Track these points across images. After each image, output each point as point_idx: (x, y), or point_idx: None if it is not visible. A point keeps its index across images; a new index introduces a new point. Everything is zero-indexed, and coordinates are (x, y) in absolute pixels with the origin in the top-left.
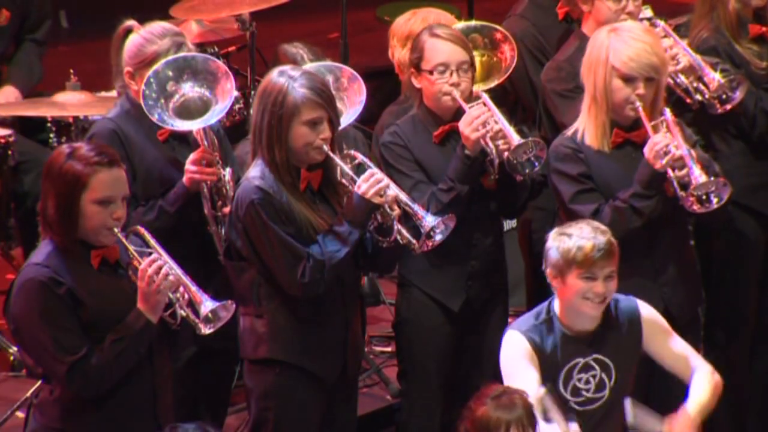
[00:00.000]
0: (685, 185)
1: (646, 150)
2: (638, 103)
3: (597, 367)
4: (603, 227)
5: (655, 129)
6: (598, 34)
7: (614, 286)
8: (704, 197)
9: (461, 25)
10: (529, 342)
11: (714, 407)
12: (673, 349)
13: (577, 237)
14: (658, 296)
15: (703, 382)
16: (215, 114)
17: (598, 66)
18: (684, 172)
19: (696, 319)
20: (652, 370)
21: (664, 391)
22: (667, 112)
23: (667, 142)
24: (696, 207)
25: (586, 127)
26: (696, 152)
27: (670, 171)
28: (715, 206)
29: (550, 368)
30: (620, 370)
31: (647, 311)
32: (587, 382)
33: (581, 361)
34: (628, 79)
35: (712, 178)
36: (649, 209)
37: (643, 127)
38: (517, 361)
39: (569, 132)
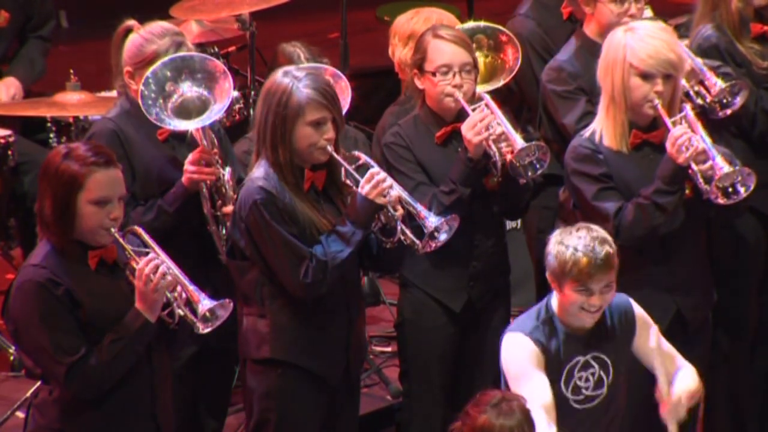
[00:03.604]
0: (708, 179)
1: (668, 144)
2: (657, 101)
3: (596, 365)
4: (603, 236)
5: (675, 125)
6: (614, 35)
7: (612, 296)
8: (730, 189)
9: (467, 25)
10: (535, 344)
11: (693, 405)
12: (661, 348)
13: (573, 248)
14: (671, 299)
15: (688, 376)
16: (213, 114)
17: (615, 65)
18: (707, 165)
19: (707, 322)
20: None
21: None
22: (688, 108)
23: (689, 136)
24: (721, 200)
25: (605, 129)
26: (718, 146)
27: (693, 165)
28: (743, 196)
29: (554, 368)
30: (617, 368)
31: (639, 310)
32: (587, 380)
33: (581, 359)
34: (647, 77)
35: (737, 168)
36: (672, 205)
37: (661, 127)
38: (525, 365)
39: (587, 133)
